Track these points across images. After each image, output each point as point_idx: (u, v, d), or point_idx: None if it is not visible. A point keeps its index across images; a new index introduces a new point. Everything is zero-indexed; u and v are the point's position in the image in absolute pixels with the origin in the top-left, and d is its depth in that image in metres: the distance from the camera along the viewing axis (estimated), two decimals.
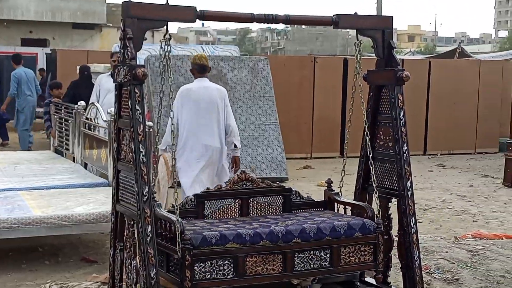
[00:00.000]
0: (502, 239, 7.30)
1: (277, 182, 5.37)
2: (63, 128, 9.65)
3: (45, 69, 14.62)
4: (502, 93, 15.60)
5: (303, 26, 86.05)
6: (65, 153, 9.64)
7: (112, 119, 7.16)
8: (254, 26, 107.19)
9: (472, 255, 6.54)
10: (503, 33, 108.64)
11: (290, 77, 13.69)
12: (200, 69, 6.78)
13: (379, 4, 26.00)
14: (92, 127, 8.41)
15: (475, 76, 15.53)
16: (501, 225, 8.34)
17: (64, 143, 9.60)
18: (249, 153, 10.84)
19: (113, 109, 7.43)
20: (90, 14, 33.19)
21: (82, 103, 8.76)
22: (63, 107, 9.86)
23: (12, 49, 26.57)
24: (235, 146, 7.01)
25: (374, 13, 23.33)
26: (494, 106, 15.62)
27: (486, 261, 6.37)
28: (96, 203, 6.36)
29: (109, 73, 9.34)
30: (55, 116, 10.11)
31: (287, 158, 11.40)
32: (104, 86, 9.36)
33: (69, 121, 9.14)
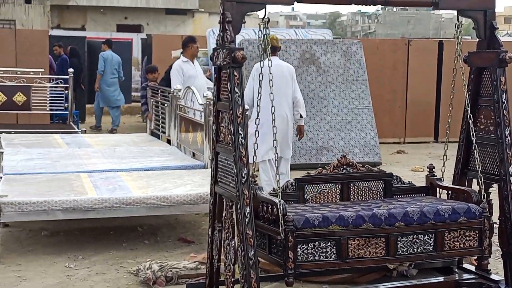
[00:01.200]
0: None
1: (376, 167, 5.34)
2: (160, 112, 9.86)
3: (61, 44, 14.89)
4: None
5: (395, 9, 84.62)
6: (161, 136, 9.85)
7: (208, 103, 7.28)
8: (344, 10, 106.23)
9: None
10: None
11: (383, 60, 13.50)
12: (272, 49, 7.05)
13: None
14: (187, 110, 8.56)
15: None
16: None
17: (160, 126, 9.81)
18: (341, 137, 10.79)
19: (209, 93, 7.59)
20: (183, 0, 33.69)
21: (178, 86, 8.92)
22: (159, 91, 10.07)
23: (108, 34, 27.29)
24: (301, 116, 7.84)
25: None
26: None
27: None
28: (193, 184, 6.49)
29: (186, 59, 9.45)
30: (152, 100, 10.34)
31: (380, 143, 11.28)
32: (187, 73, 9.43)
33: (165, 105, 9.33)
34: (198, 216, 7.17)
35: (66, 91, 12.35)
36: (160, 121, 9.81)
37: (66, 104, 12.38)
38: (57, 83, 12.56)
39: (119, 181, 6.66)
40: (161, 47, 15.20)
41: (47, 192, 6.06)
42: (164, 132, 9.61)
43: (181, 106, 8.67)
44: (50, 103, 12.44)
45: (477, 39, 4.94)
